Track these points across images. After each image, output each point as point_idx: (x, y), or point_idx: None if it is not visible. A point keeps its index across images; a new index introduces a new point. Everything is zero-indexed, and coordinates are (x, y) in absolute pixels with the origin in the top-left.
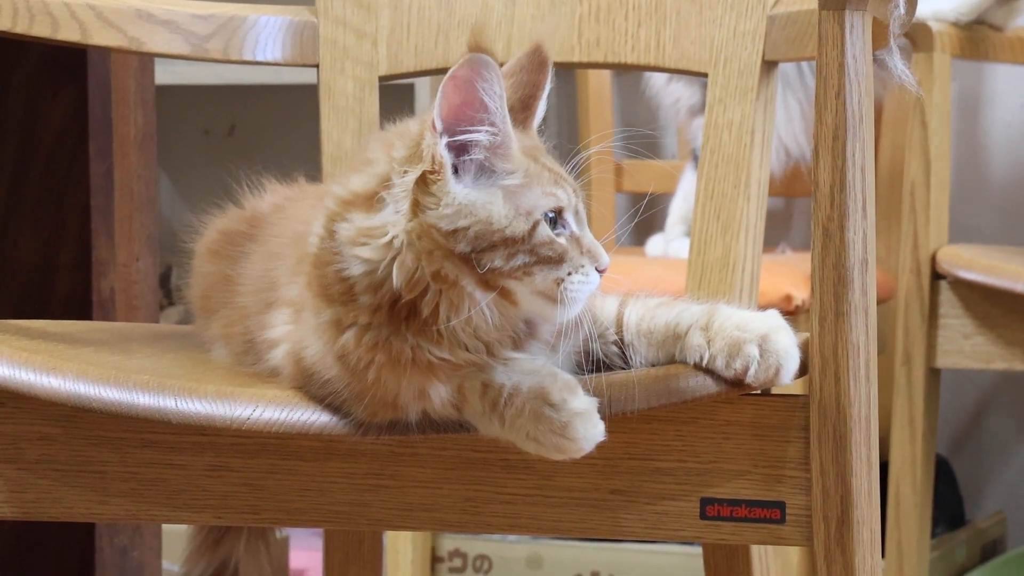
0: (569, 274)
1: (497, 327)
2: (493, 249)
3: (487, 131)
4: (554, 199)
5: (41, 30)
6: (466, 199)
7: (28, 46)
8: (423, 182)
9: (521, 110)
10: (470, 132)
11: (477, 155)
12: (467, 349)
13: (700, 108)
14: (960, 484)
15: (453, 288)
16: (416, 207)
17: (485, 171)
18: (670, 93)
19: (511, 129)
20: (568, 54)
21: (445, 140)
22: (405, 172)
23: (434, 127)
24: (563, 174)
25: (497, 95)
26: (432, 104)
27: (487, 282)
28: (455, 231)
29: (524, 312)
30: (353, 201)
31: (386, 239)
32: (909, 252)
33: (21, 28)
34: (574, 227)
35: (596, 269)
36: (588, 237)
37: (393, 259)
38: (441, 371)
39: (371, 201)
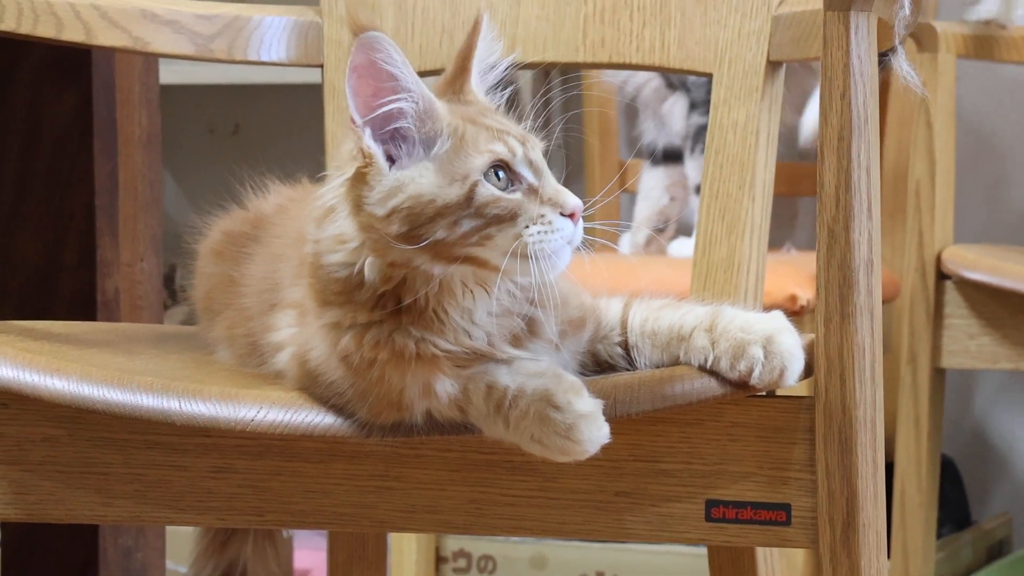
0: (527, 227)
1: (492, 312)
2: (432, 222)
3: (403, 99)
4: (491, 154)
5: (45, 30)
6: (395, 180)
7: (32, 45)
8: (360, 179)
9: (458, 75)
10: (386, 106)
11: (403, 126)
12: (469, 336)
13: (664, 93)
14: (966, 485)
15: (415, 271)
16: (357, 206)
17: (416, 146)
18: (632, 77)
19: (428, 93)
20: (573, 54)
21: (368, 131)
22: (342, 174)
23: (353, 123)
24: (507, 128)
25: (399, 63)
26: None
27: (441, 255)
28: (388, 215)
29: (510, 275)
30: (324, 215)
31: (354, 243)
32: (914, 252)
33: (25, 28)
34: (530, 178)
35: (562, 214)
36: (550, 186)
37: (363, 259)
38: (445, 364)
39: (331, 213)
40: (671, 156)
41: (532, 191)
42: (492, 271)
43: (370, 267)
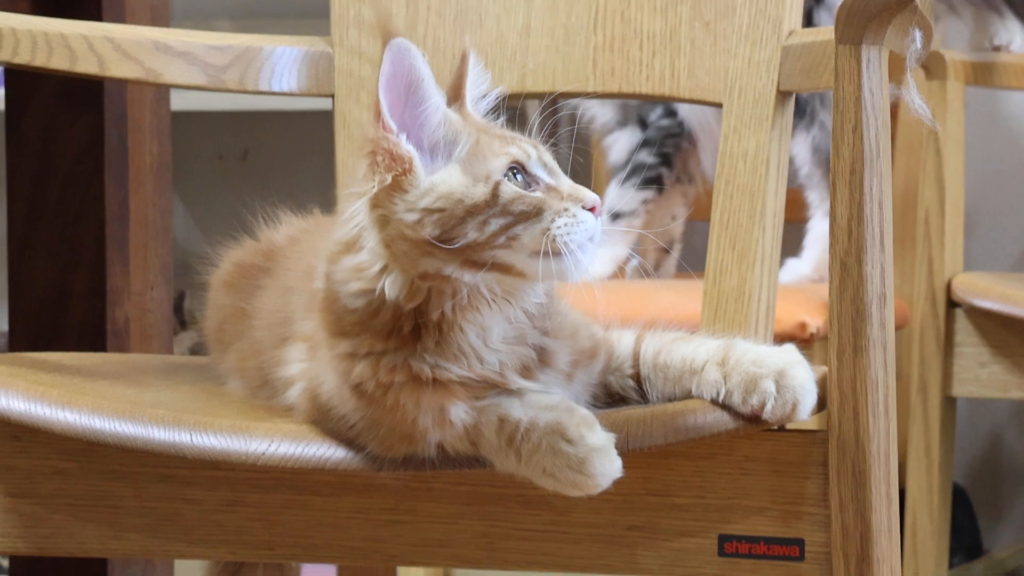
0: (553, 220)
1: (506, 337)
2: (462, 223)
3: (432, 104)
4: (508, 156)
5: (60, 63)
6: (428, 182)
7: (45, 75)
8: (393, 188)
9: (454, 99)
10: (418, 110)
11: (432, 129)
12: (482, 363)
13: (612, 127)
14: (977, 513)
15: (445, 281)
16: (383, 220)
17: (439, 151)
18: (586, 111)
19: (444, 99)
20: (583, 83)
21: (404, 135)
22: (363, 194)
23: (387, 128)
24: (515, 136)
25: (427, 72)
26: (373, 115)
27: (472, 261)
28: (420, 219)
29: (534, 278)
30: (341, 250)
31: (375, 268)
32: (924, 280)
33: (40, 61)
34: (547, 178)
35: (584, 208)
36: (566, 183)
37: (384, 281)
38: (459, 390)
39: (350, 244)
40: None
41: (551, 189)
42: (517, 277)
43: (392, 285)
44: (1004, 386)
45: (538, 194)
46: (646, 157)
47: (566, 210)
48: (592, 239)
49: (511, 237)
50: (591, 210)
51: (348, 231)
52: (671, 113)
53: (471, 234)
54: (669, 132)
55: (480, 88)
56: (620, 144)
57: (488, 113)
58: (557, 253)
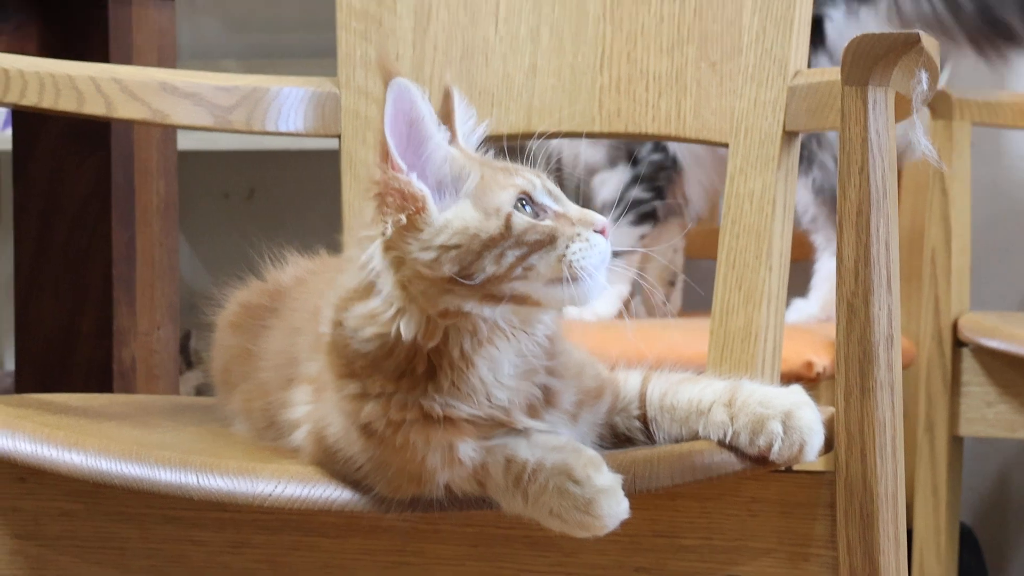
0: (568, 246)
1: (515, 373)
2: (479, 257)
3: (437, 141)
4: (515, 187)
5: (67, 104)
6: (443, 219)
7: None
8: (407, 228)
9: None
10: (426, 148)
11: (440, 167)
12: (489, 400)
13: (602, 166)
14: (985, 553)
15: (465, 318)
16: (398, 262)
17: (447, 187)
18: (570, 149)
19: (447, 136)
20: (589, 124)
21: (415, 174)
22: (374, 237)
23: (396, 168)
24: (517, 167)
25: (428, 110)
26: (380, 155)
27: (491, 295)
28: (437, 257)
29: (551, 306)
30: (351, 296)
31: (390, 312)
32: (931, 319)
33: (47, 103)
34: (553, 205)
35: (595, 231)
36: (573, 208)
37: (398, 323)
38: (468, 428)
39: (364, 291)
40: None
41: (560, 216)
42: (533, 306)
43: (407, 326)
44: (1011, 425)
45: (549, 222)
46: (639, 193)
47: (578, 235)
48: (605, 260)
49: (527, 268)
50: (601, 232)
51: (359, 277)
52: (661, 148)
53: (489, 268)
54: (660, 165)
55: (468, 123)
56: (611, 183)
57: (478, 148)
58: (575, 278)
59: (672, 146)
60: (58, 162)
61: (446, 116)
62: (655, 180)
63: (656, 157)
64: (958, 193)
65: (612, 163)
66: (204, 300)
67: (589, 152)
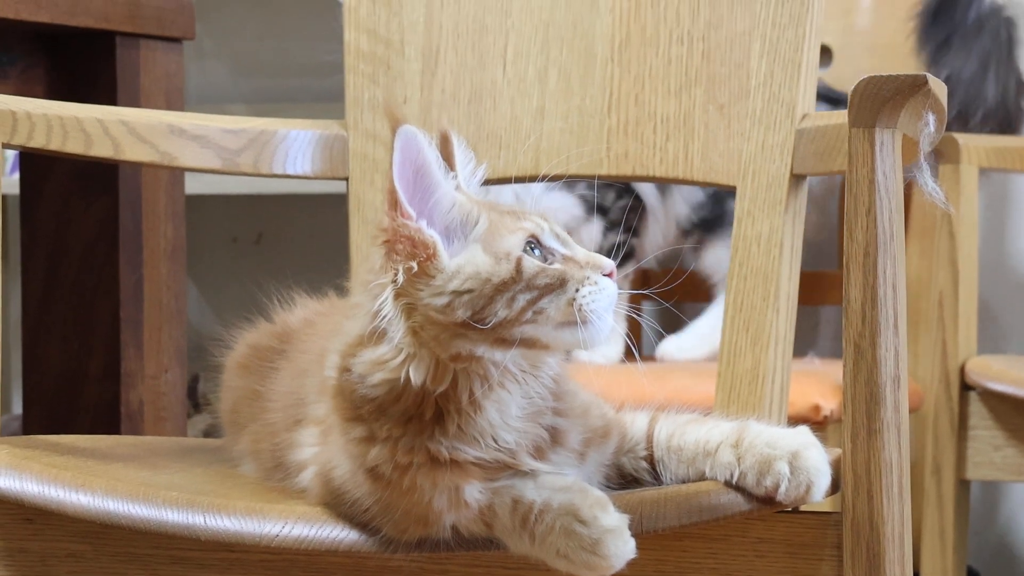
0: (577, 290)
1: (522, 415)
2: (492, 302)
3: (444, 188)
4: (524, 231)
5: (75, 147)
6: (454, 265)
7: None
8: (418, 275)
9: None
10: (434, 195)
11: (448, 213)
12: (496, 442)
13: (581, 220)
14: None
15: (477, 363)
16: (409, 308)
17: (455, 233)
18: (550, 202)
19: (454, 182)
20: (596, 167)
21: (424, 221)
22: (385, 285)
23: (406, 215)
24: (524, 210)
25: (435, 156)
26: (388, 203)
27: (502, 339)
28: (450, 303)
29: (559, 349)
30: (358, 343)
31: (399, 359)
32: (938, 363)
33: (55, 145)
34: (561, 249)
35: (603, 275)
36: (580, 251)
37: (407, 369)
38: (475, 471)
39: (371, 337)
40: None
41: (568, 259)
42: (542, 350)
43: (416, 371)
44: (1019, 469)
45: (558, 266)
46: (614, 238)
47: (588, 278)
48: (613, 304)
49: (537, 312)
50: (609, 275)
51: (368, 324)
52: (626, 191)
53: (501, 312)
54: (630, 207)
55: (468, 166)
56: (588, 235)
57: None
58: (585, 321)
59: (636, 187)
60: (66, 205)
61: (447, 159)
62: (627, 222)
63: (622, 202)
64: (965, 237)
65: (588, 216)
66: (212, 342)
67: (568, 202)
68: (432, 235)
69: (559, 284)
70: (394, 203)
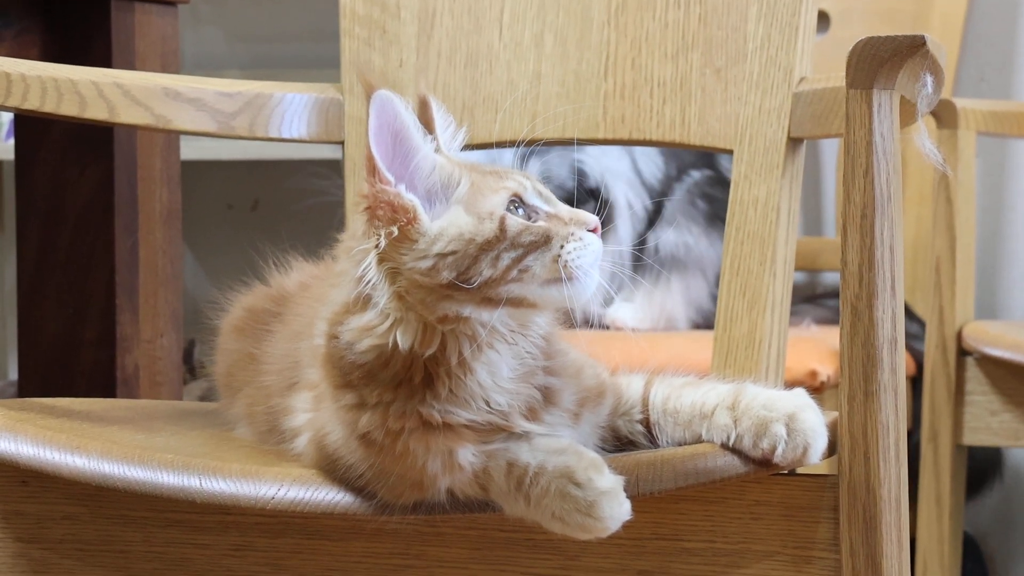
0: (562, 246)
1: (514, 375)
2: (476, 262)
3: (423, 151)
4: (506, 190)
5: (69, 109)
6: (437, 227)
7: (55, 122)
8: (399, 240)
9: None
10: (413, 160)
11: (428, 176)
12: (488, 405)
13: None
14: (988, 563)
15: (464, 323)
16: (393, 273)
17: (436, 196)
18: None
19: (433, 144)
20: (593, 131)
21: (403, 187)
22: (368, 251)
23: (384, 180)
24: (506, 170)
25: (413, 120)
26: (367, 169)
27: (489, 299)
28: (434, 265)
29: (547, 307)
30: (344, 310)
31: (386, 324)
32: (935, 328)
33: (49, 107)
34: (544, 207)
35: (588, 230)
36: (564, 208)
37: (394, 334)
38: (468, 434)
39: (357, 304)
40: None
41: (552, 216)
42: (529, 308)
43: (404, 335)
44: (1015, 434)
45: (542, 223)
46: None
47: (572, 235)
48: (599, 259)
49: (522, 270)
50: (593, 230)
51: (354, 290)
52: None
53: (486, 271)
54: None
55: (448, 129)
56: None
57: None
58: (571, 278)
59: (593, 175)
60: (61, 170)
61: (426, 124)
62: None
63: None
64: (963, 203)
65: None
66: (208, 308)
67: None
68: (411, 199)
69: (544, 241)
70: (372, 169)
